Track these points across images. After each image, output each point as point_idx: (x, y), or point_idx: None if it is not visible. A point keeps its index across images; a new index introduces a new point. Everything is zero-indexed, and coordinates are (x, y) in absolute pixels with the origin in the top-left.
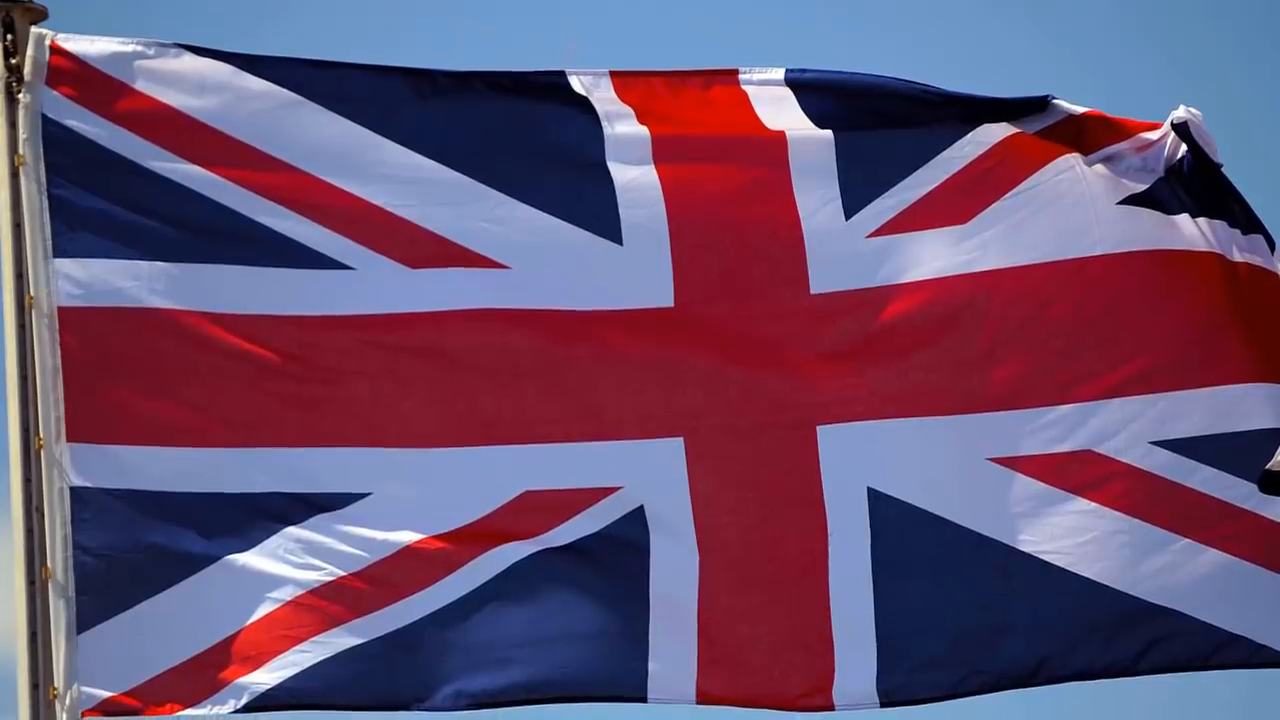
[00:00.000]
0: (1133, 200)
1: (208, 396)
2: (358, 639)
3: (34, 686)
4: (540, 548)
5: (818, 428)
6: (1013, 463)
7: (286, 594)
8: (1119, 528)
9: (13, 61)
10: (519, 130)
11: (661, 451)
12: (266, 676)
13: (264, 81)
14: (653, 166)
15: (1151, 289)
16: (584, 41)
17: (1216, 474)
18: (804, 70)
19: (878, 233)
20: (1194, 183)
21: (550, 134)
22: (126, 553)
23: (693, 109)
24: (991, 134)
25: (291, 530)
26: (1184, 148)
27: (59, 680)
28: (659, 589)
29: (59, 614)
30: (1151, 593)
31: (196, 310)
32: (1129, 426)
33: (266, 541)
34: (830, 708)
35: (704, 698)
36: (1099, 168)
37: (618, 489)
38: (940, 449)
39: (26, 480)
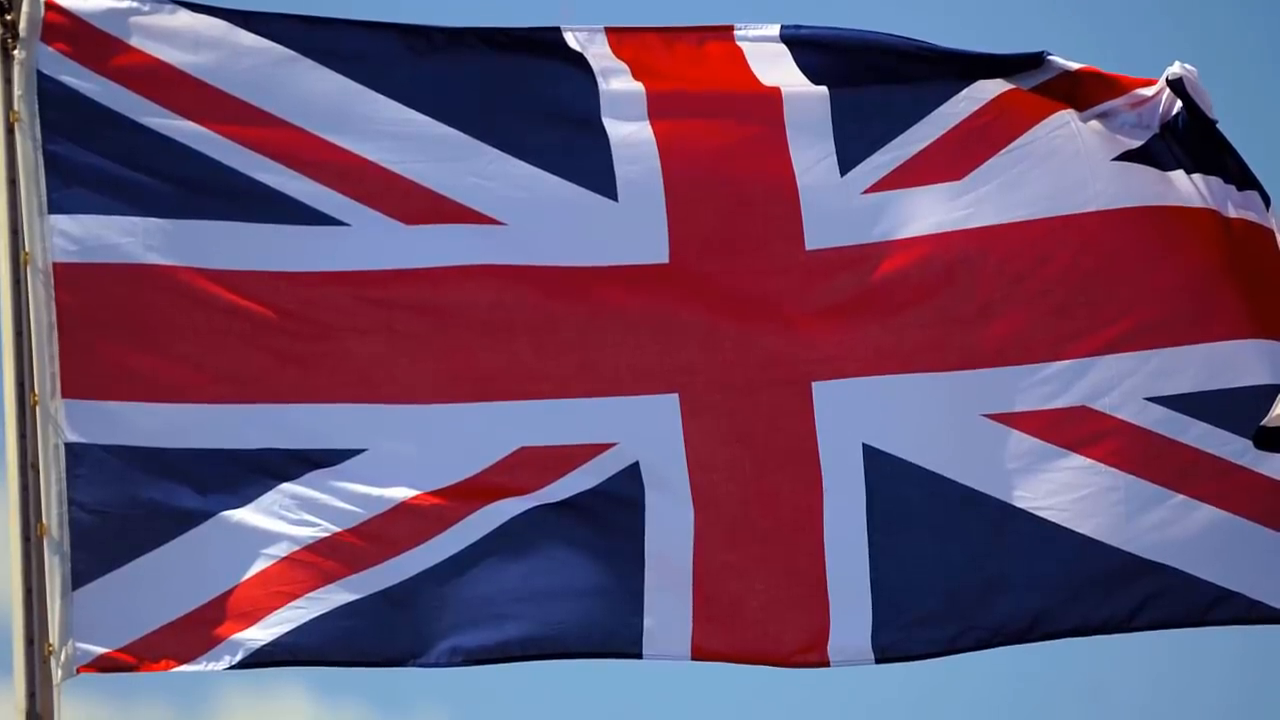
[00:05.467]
0: (1128, 156)
1: (203, 353)
2: (353, 595)
3: (29, 643)
4: (535, 504)
5: (813, 384)
6: (1007, 419)
7: (281, 550)
8: (1114, 484)
9: (8, 17)
10: (514, 86)
11: (657, 408)
12: (261, 633)
13: (259, 38)
14: (648, 123)
15: (1146, 245)
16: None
17: (1211, 430)
18: (799, 26)
19: (873, 189)
20: (1189, 139)
21: (545, 90)
22: (121, 509)
23: (688, 65)
24: (986, 90)
25: (287, 486)
26: (1179, 104)
27: (54, 637)
28: (654, 545)
29: (54, 570)
30: (1146, 549)
31: (192, 266)
32: (1124, 383)
33: (262, 498)
34: (826, 664)
35: (699, 654)
36: (1094, 124)
37: (613, 445)
38: (935, 405)
39: (21, 436)
